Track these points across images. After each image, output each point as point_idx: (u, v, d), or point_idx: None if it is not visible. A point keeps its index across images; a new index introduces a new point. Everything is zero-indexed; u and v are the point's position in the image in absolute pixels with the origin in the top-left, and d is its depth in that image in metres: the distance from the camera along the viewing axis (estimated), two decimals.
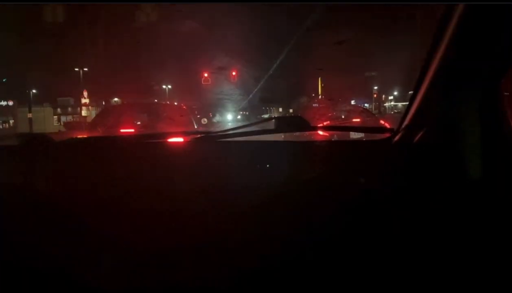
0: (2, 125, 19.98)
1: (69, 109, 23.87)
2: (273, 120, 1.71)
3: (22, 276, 1.31)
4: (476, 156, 1.25)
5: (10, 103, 21.18)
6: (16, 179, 1.46)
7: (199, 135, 1.71)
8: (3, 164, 1.54)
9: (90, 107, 20.14)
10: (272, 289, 1.32)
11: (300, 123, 1.69)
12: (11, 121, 20.70)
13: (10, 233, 1.37)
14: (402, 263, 1.29)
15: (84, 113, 19.78)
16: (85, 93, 19.84)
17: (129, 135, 3.73)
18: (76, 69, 18.94)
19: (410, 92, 1.48)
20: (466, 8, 1.15)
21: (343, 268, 1.31)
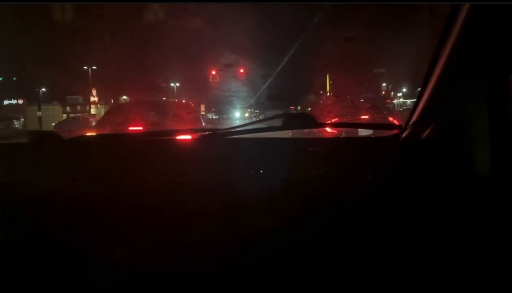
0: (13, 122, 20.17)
1: (78, 107, 24.06)
2: (281, 117, 1.71)
3: (31, 269, 1.33)
4: (484, 152, 1.25)
5: (20, 101, 21.38)
6: (26, 176, 1.48)
7: (207, 132, 1.72)
8: (13, 161, 1.56)
9: (98, 105, 20.27)
10: (279, 283, 1.32)
11: (308, 120, 1.69)
12: (21, 119, 20.92)
13: (18, 229, 1.39)
14: (411, 260, 1.29)
15: (93, 111, 19.92)
16: (94, 91, 19.98)
17: (137, 133, 3.75)
18: (85, 68, 19.07)
19: (419, 89, 1.48)
20: (473, 5, 1.15)
21: (351, 264, 1.32)
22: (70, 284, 1.32)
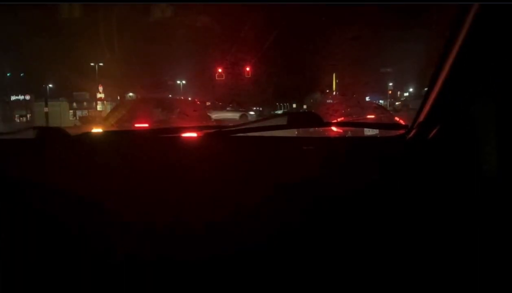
0: (19, 119, 20.29)
1: (85, 103, 24.08)
2: (287, 115, 1.71)
3: (35, 265, 1.34)
4: (491, 153, 1.24)
5: (27, 97, 21.45)
6: (32, 171, 1.49)
7: (212, 130, 1.72)
8: (20, 157, 1.57)
9: (105, 101, 20.32)
10: (282, 281, 1.33)
11: (314, 119, 1.69)
12: (28, 115, 20.99)
13: (24, 224, 1.40)
14: (416, 260, 1.28)
15: (99, 107, 19.96)
16: (101, 88, 20.01)
17: (143, 130, 3.76)
18: (92, 64, 19.10)
19: (426, 89, 1.47)
20: (481, 5, 1.14)
21: (356, 263, 1.32)
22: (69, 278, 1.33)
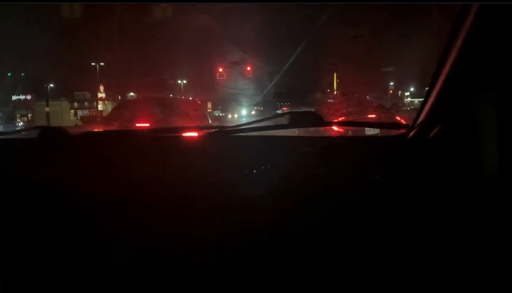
0: (21, 119, 20.33)
1: (86, 103, 24.12)
2: (287, 115, 1.71)
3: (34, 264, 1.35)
4: (492, 153, 1.24)
5: (28, 97, 21.49)
6: (34, 171, 1.49)
7: (213, 130, 1.72)
8: (22, 156, 1.57)
9: (106, 101, 20.35)
10: (282, 279, 1.33)
11: (314, 118, 1.69)
12: (29, 115, 21.06)
13: (25, 224, 1.40)
14: (417, 260, 1.29)
15: (100, 107, 20.00)
16: (102, 88, 20.05)
17: (144, 129, 3.76)
18: (93, 64, 19.14)
19: (426, 88, 1.47)
20: (482, 5, 1.14)
21: (357, 262, 1.32)
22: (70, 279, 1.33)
